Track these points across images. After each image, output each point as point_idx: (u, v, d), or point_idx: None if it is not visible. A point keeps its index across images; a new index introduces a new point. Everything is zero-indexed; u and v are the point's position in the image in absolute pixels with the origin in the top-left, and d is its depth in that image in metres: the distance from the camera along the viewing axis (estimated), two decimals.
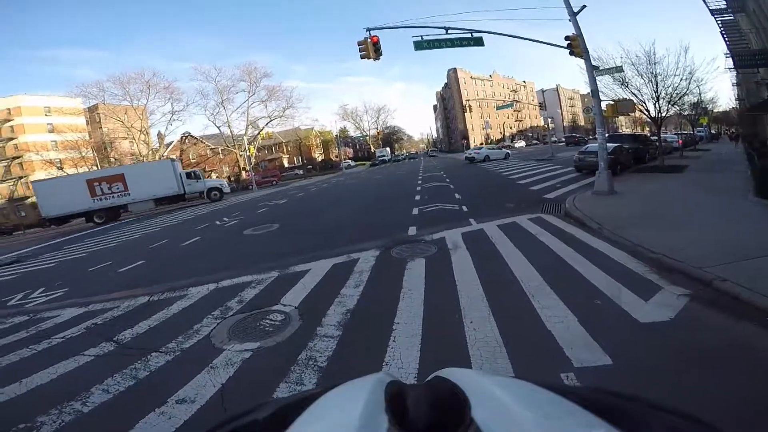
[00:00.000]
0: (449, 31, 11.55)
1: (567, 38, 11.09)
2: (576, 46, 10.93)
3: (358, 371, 2.89)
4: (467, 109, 61.16)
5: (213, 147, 57.09)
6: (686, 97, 16.21)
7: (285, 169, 59.80)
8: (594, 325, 3.44)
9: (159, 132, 52.36)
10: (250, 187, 41.05)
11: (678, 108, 17.28)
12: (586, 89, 12.88)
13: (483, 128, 79.39)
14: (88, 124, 52.41)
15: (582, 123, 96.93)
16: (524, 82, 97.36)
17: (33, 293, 7.99)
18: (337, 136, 62.96)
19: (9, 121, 48.18)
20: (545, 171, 18.47)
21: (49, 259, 13.27)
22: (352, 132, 78.39)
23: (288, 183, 43.55)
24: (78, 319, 5.57)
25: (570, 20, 10.84)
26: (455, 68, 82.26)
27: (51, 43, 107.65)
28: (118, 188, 26.80)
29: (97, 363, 4.00)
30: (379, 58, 11.87)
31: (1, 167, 48.65)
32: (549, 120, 36.16)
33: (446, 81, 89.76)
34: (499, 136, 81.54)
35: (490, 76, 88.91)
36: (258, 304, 5.07)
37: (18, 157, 48.11)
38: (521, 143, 69.54)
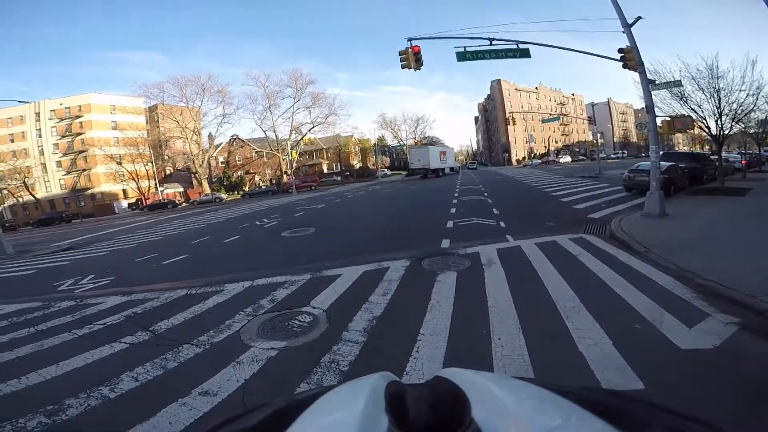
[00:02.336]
0: (494, 42, 11.36)
1: (620, 50, 10.61)
2: (630, 58, 10.43)
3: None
4: (510, 121, 59.66)
5: (258, 150, 59.56)
6: (753, 113, 14.93)
7: (324, 175, 61.23)
8: (630, 349, 3.23)
9: (210, 133, 55.52)
10: (290, 190, 42.37)
11: (743, 125, 15.93)
12: (639, 103, 12.22)
13: (526, 141, 77.45)
14: (147, 122, 56.36)
15: (634, 139, 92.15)
16: (572, 94, 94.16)
17: (83, 280, 8.59)
18: (375, 144, 63.73)
19: (79, 117, 52.48)
20: (591, 189, 17.66)
21: (102, 248, 14.38)
22: (390, 141, 78.86)
23: (326, 188, 44.49)
24: (120, 307, 5.88)
25: (624, 32, 10.37)
26: (499, 79, 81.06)
27: (121, 46, 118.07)
28: (444, 159, 46.24)
29: (131, 351, 4.20)
30: (419, 68, 11.88)
31: (69, 160, 53.12)
32: (598, 135, 34.59)
33: (489, 92, 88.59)
34: (544, 150, 79.05)
35: (536, 88, 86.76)
36: (289, 304, 5.19)
37: (83, 151, 52.37)
38: (566, 158, 66.98)
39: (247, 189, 54.22)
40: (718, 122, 13.79)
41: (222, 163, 62.43)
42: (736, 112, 13.63)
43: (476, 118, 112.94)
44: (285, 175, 52.75)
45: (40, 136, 52.16)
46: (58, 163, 53.13)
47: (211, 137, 55.55)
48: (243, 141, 62.06)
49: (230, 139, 62.54)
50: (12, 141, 51.27)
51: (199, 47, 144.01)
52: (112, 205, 48.71)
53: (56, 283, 8.55)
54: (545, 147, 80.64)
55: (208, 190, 49.91)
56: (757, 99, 13.58)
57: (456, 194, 19.59)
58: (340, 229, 12.20)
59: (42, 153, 51.99)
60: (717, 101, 13.44)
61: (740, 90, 13.26)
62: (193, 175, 54.13)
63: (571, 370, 3.04)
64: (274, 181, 57.36)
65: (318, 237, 11.16)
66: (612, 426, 0.40)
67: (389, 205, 18.11)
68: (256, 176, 62.27)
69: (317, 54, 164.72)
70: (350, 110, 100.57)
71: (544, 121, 52.31)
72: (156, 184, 50.20)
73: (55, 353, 4.26)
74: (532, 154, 75.04)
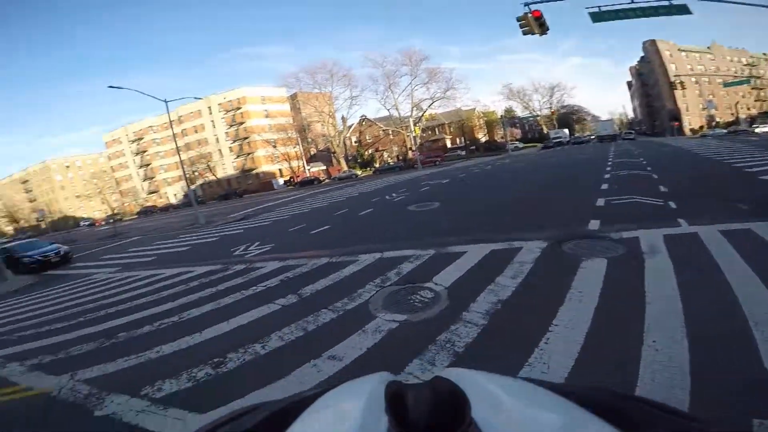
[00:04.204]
0: None
1: None
2: None
3: (496, 363, 2.64)
4: (678, 86, 49.04)
5: (384, 128, 62.03)
6: None
7: (448, 150, 60.41)
8: None
9: (342, 115, 60.32)
10: (416, 166, 43.10)
11: None
12: None
13: (703, 108, 62.22)
14: (291, 109, 64.42)
15: None
16: (764, 54, 71.08)
17: (251, 246, 10.44)
18: (501, 116, 59.76)
19: (239, 108, 63.30)
20: None
21: (265, 219, 17.30)
22: (520, 112, 72.48)
23: (451, 163, 43.72)
24: (277, 272, 6.95)
25: None
26: (653, 40, 66.33)
27: (252, 42, 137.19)
28: (615, 128, 57.52)
29: (282, 312, 4.88)
30: (545, 33, 10.60)
31: (237, 146, 64.97)
32: None
33: (642, 54, 73.35)
34: (731, 118, 62.36)
35: (709, 47, 68.48)
36: (412, 279, 5.28)
37: (246, 138, 63.16)
38: (766, 127, 51.41)
39: (377, 165, 57.34)
40: None
41: (355, 142, 67.11)
42: None
43: (629, 83, 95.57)
44: (410, 151, 53.88)
45: (214, 127, 64.76)
46: (230, 149, 65.38)
47: (343, 119, 60.29)
48: (371, 121, 65.48)
49: (360, 120, 66.62)
50: (196, 132, 65.22)
51: (318, 35, 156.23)
52: (272, 182, 57.69)
53: (233, 248, 10.58)
54: (732, 114, 63.46)
55: (345, 168, 54.56)
56: None
57: (608, 167, 16.69)
58: (466, 205, 11.90)
59: (217, 141, 64.83)
60: None
61: None
62: (332, 155, 59.74)
63: (744, 388, 2.33)
64: (400, 158, 59.25)
65: (443, 211, 11.16)
66: (612, 426, 0.39)
67: (521, 179, 17.03)
68: (385, 153, 65.23)
69: (425, 30, 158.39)
70: (469, 83, 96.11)
71: (725, 84, 41.15)
72: (303, 163, 57.34)
73: (227, 311, 5.21)
74: (713, 123, 59.94)
